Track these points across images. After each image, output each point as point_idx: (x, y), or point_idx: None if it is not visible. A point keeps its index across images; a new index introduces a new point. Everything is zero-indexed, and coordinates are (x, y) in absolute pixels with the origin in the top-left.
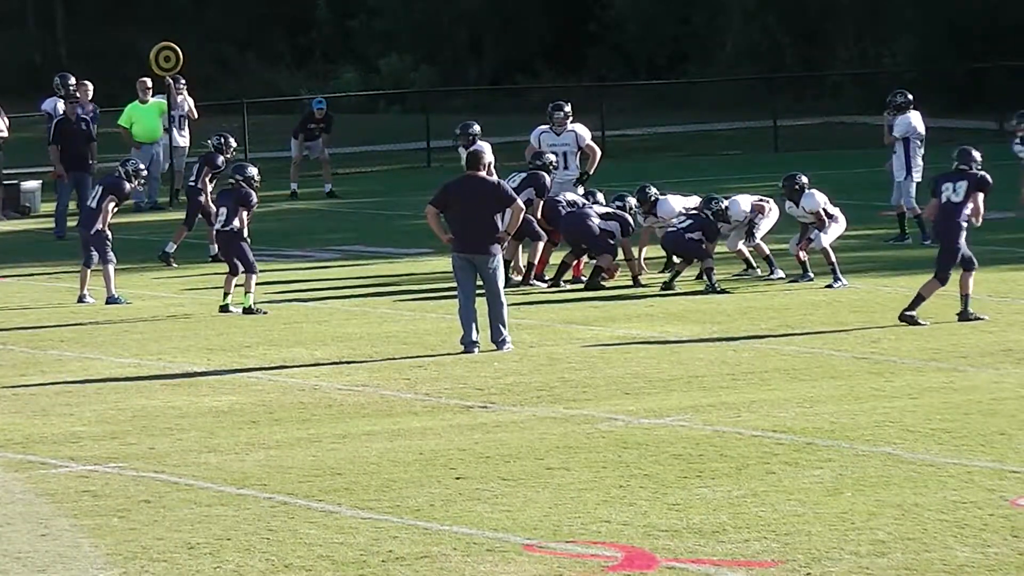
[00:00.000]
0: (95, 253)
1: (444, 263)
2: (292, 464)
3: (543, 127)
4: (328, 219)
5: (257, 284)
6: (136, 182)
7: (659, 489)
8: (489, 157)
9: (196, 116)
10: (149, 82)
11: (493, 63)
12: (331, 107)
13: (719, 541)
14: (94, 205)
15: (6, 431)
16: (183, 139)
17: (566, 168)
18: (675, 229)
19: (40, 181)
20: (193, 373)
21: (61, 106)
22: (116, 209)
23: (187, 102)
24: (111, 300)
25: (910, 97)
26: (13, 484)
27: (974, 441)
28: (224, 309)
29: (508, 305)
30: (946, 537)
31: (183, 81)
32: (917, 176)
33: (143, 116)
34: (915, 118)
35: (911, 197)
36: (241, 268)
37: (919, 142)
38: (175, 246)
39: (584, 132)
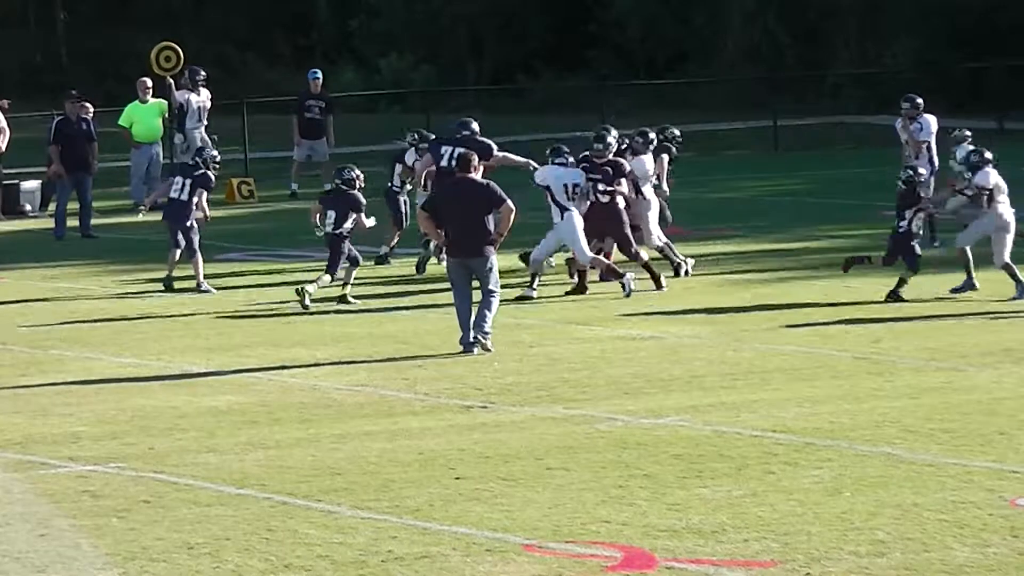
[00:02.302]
0: (183, 242)
1: (443, 264)
2: (291, 464)
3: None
4: None
5: (257, 284)
6: (213, 168)
7: (658, 489)
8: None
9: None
10: (149, 82)
11: (493, 63)
12: (331, 110)
13: (718, 541)
14: (185, 198)
15: (5, 431)
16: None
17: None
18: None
19: (39, 181)
20: (193, 373)
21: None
22: (208, 198)
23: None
24: (202, 289)
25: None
26: (12, 484)
27: (974, 441)
28: (343, 300)
29: (508, 302)
30: (945, 537)
31: (203, 74)
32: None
33: (143, 116)
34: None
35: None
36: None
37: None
38: (388, 249)
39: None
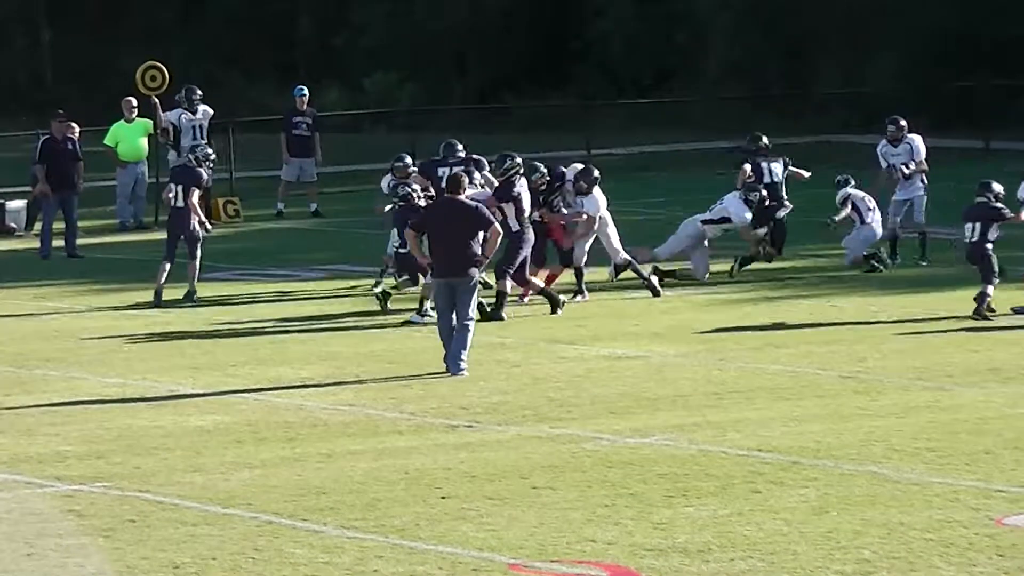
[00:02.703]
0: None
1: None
2: (277, 483)
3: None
4: (313, 238)
5: (241, 304)
6: (207, 165)
7: (644, 508)
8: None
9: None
10: (134, 101)
11: (478, 81)
12: (318, 127)
13: (704, 560)
14: (181, 204)
15: None
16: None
17: None
18: None
19: (25, 201)
20: (179, 393)
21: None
22: (199, 197)
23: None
24: (189, 295)
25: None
26: None
27: (960, 460)
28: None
29: (496, 322)
30: (931, 556)
31: (199, 92)
32: None
33: (128, 135)
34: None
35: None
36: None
37: None
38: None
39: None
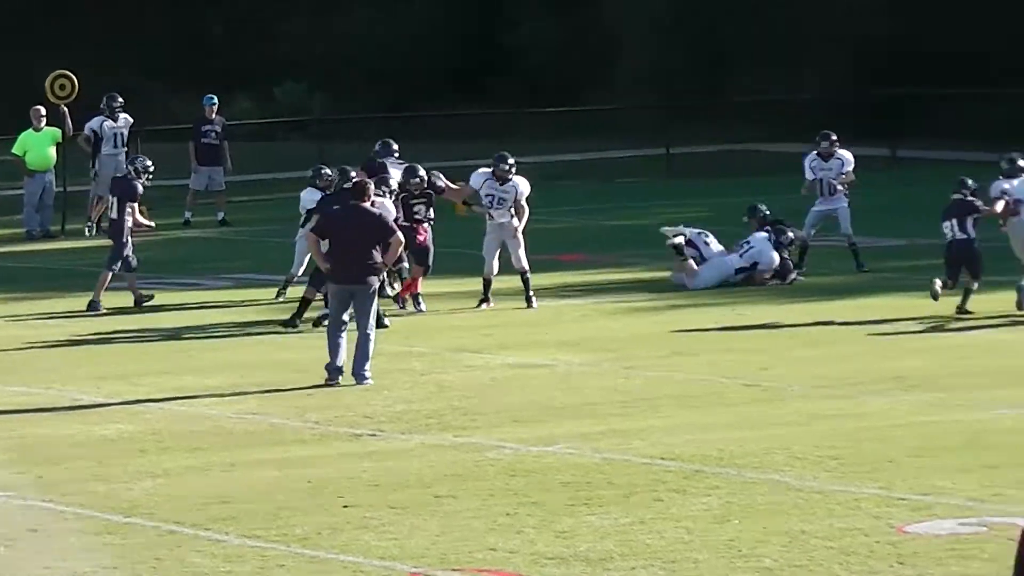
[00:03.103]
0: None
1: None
2: (181, 492)
3: (486, 171)
4: (221, 247)
5: (147, 312)
6: (146, 176)
7: (547, 517)
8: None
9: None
10: (43, 110)
11: (393, 90)
12: (227, 136)
13: (606, 569)
14: (115, 215)
15: None
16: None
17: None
18: None
19: None
20: (83, 401)
21: None
22: (133, 211)
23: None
24: (92, 305)
25: None
26: None
27: (862, 468)
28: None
29: (389, 332)
30: (832, 564)
31: (120, 100)
32: None
33: (36, 144)
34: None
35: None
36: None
37: None
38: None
39: (524, 188)
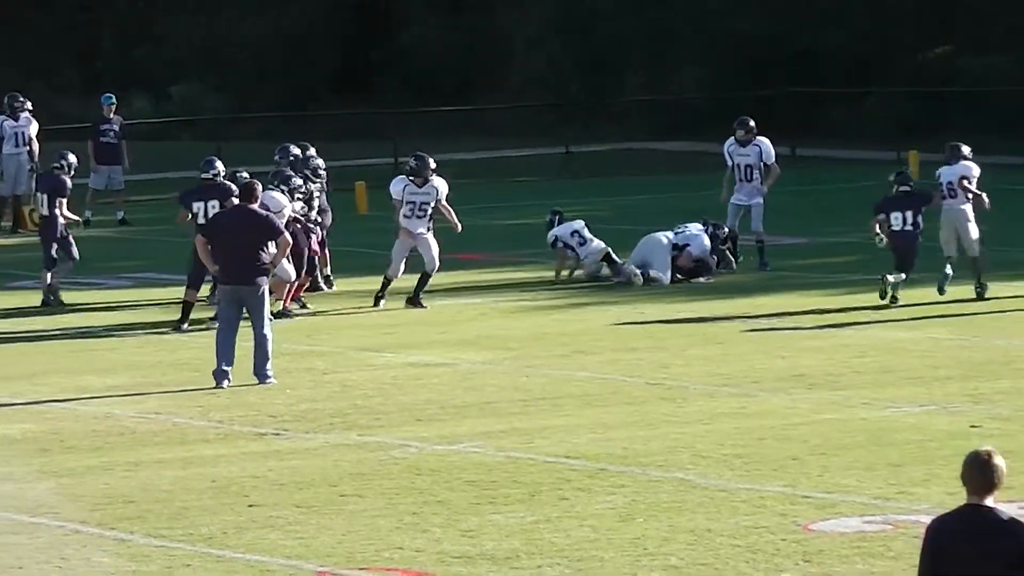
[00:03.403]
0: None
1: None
2: (85, 492)
3: (403, 177)
4: (121, 246)
5: (48, 312)
6: (71, 174)
7: (452, 515)
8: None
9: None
10: None
11: (282, 90)
12: (124, 135)
13: (512, 567)
14: (46, 212)
15: None
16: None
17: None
18: None
19: None
20: None
21: None
22: (62, 206)
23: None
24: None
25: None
26: None
27: (766, 466)
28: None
29: (292, 331)
30: (738, 563)
31: (21, 99)
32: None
33: None
34: None
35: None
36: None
37: None
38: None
39: (444, 188)
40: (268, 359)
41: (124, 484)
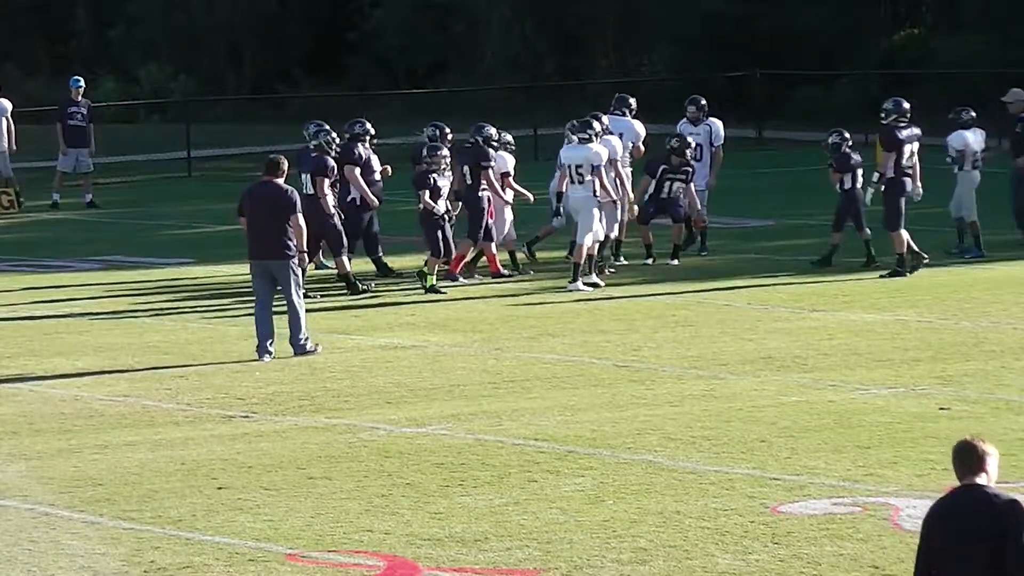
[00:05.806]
0: None
1: (205, 272)
2: (53, 475)
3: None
4: (89, 229)
5: (16, 294)
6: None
7: (421, 498)
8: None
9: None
10: None
11: (253, 72)
12: (91, 117)
13: (481, 550)
14: None
15: None
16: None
17: None
18: None
19: None
20: None
21: None
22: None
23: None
24: None
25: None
26: None
27: (735, 448)
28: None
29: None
30: (707, 544)
31: None
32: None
33: None
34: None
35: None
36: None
37: None
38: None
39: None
40: (300, 329)
41: (93, 467)
